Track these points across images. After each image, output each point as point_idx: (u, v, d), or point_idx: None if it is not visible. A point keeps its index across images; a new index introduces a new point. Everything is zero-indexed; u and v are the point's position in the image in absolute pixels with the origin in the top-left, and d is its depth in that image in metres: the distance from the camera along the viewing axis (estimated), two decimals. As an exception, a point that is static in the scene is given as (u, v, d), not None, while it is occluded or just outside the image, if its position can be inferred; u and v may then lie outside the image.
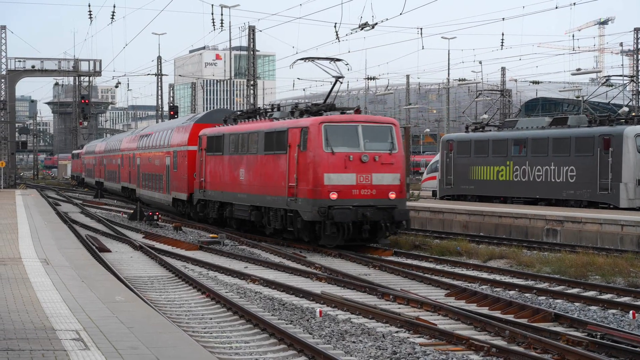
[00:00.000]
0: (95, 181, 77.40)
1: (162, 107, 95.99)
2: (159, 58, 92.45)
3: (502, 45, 71.68)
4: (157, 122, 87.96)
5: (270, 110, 34.50)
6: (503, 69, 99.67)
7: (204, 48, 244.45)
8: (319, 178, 27.42)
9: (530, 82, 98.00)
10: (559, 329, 15.17)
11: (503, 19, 52.17)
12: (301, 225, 28.35)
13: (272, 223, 30.63)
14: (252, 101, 66.33)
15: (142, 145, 52.96)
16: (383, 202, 27.62)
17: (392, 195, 27.79)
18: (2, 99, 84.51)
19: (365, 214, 27.15)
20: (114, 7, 61.69)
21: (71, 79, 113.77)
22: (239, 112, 37.52)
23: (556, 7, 49.55)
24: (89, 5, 64.88)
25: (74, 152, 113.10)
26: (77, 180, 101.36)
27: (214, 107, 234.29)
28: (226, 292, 19.23)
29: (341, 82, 31.72)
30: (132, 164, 55.93)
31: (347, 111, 30.18)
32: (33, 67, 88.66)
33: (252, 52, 66.84)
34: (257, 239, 31.27)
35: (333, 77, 31.35)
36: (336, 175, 27.48)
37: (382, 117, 32.05)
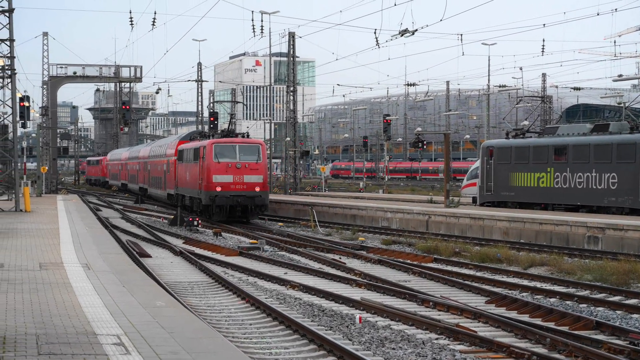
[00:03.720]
0: (121, 183, 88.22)
1: (202, 113, 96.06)
2: (199, 64, 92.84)
3: (542, 51, 71.31)
4: (196, 128, 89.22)
5: (210, 134, 49.39)
6: (544, 75, 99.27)
7: (244, 54, 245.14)
8: (210, 178, 42.60)
9: (571, 88, 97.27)
10: (601, 337, 15.05)
11: (544, 25, 51.94)
12: (203, 208, 43.80)
13: (195, 207, 45.66)
14: (291, 107, 66.39)
15: (152, 154, 66.41)
16: (250, 194, 42.48)
17: (257, 189, 42.59)
18: (44, 104, 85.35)
19: (238, 200, 42.28)
20: (155, 13, 62.37)
21: (112, 85, 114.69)
22: (196, 135, 53.23)
23: (597, 14, 49.36)
24: (130, 12, 65.53)
25: (89, 159, 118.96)
26: (90, 183, 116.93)
27: (253, 114, 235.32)
28: (266, 298, 19.27)
29: (234, 117, 50.62)
30: (145, 169, 69.55)
31: (241, 135, 46.04)
32: (75, 73, 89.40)
33: (292, 59, 66.97)
34: (297, 245, 31.75)
35: (229, 114, 50.06)
36: (220, 176, 42.53)
37: (253, 139, 45.72)
